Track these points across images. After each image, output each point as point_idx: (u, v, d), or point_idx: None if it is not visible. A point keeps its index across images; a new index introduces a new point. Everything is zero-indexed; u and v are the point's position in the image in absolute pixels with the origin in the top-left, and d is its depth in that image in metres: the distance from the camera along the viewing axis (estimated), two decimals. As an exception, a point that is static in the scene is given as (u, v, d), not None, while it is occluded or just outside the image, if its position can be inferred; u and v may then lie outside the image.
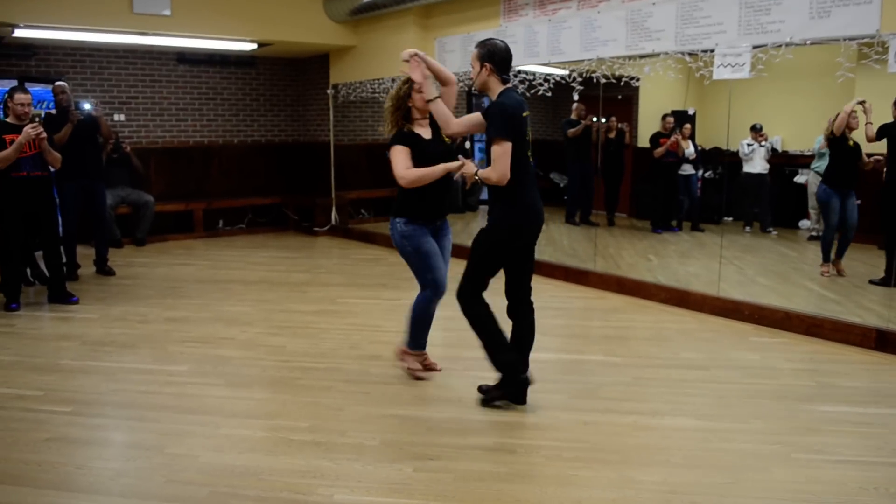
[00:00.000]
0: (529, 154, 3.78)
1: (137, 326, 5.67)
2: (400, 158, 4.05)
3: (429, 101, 3.92)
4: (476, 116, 3.86)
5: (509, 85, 3.75)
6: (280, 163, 11.34)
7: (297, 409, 3.99)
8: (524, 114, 3.70)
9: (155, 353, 4.99)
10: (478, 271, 3.84)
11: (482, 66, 3.70)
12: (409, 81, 4.06)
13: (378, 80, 9.51)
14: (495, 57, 3.70)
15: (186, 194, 10.40)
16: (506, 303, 3.94)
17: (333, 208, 10.68)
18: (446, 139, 4.19)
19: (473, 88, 3.85)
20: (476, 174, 3.73)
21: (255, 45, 9.64)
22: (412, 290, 4.50)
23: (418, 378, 4.40)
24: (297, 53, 10.83)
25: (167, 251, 9.16)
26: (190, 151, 10.48)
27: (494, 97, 3.72)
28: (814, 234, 8.60)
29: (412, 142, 4.09)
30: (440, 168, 3.98)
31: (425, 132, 4.17)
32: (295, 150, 11.44)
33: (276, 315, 6.04)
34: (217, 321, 5.82)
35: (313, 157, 11.18)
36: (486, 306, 3.87)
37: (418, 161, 4.05)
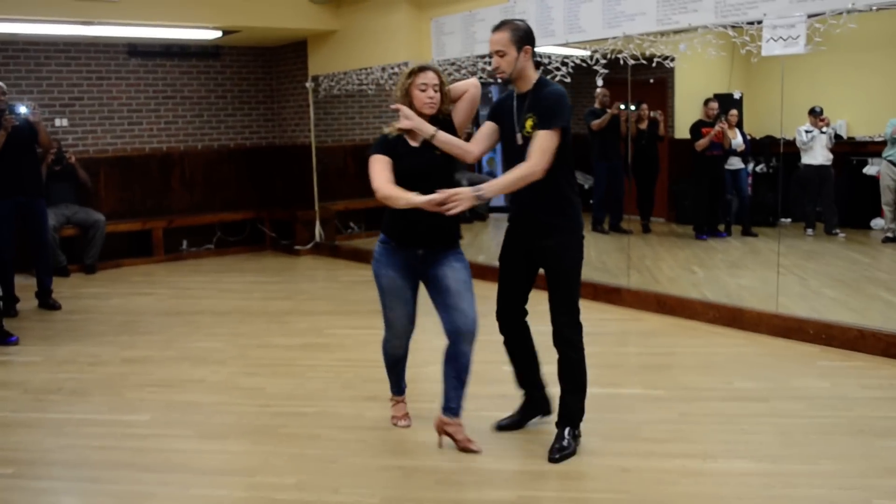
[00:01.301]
0: None
1: (89, 370, 5.67)
2: (377, 169, 3.93)
3: (432, 139, 3.90)
4: (490, 127, 4.00)
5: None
6: (253, 171, 11.38)
7: (281, 463, 3.97)
8: None
9: (110, 401, 4.99)
10: (577, 296, 4.04)
11: (520, 51, 3.78)
12: (411, 74, 3.92)
13: (365, 69, 9.55)
14: (532, 38, 3.83)
15: (143, 211, 10.44)
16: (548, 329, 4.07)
17: (317, 222, 10.69)
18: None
19: (506, 77, 3.85)
20: (480, 194, 3.63)
21: (219, 33, 9.70)
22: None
23: (397, 426, 4.42)
24: (269, 41, 10.88)
25: (122, 279, 9.18)
26: (146, 160, 10.52)
27: (530, 85, 3.84)
28: (890, 234, 8.58)
29: (393, 150, 3.96)
30: (403, 199, 3.74)
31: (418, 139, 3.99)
32: (270, 155, 11.49)
33: (252, 351, 6.04)
34: (183, 361, 5.82)
35: (292, 163, 11.21)
36: None
37: (395, 175, 3.89)
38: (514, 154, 3.84)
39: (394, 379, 4.43)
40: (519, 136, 3.83)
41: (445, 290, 3.93)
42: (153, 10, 8.73)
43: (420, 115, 3.92)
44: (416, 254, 3.99)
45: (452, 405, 3.98)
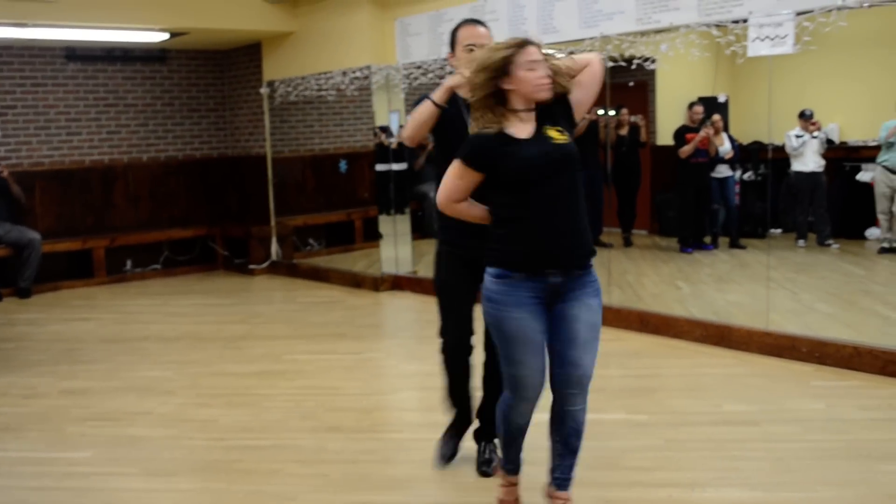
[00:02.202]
0: None
1: (24, 403, 5.60)
2: (451, 175, 3.34)
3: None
4: None
5: None
6: (203, 184, 11.33)
7: (236, 502, 3.95)
8: None
9: (48, 437, 4.93)
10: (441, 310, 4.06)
11: None
12: (513, 47, 3.23)
13: (325, 73, 9.56)
14: None
15: (83, 229, 10.35)
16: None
17: (273, 239, 10.66)
18: (557, 135, 3.32)
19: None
20: None
21: (166, 36, 9.67)
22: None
23: None
24: (220, 44, 10.86)
25: (60, 303, 9.10)
26: (86, 174, 10.44)
27: None
28: (886, 245, 8.69)
29: (491, 154, 3.26)
30: (478, 212, 3.38)
31: (524, 129, 3.29)
32: (222, 167, 11.45)
33: (204, 380, 6.00)
34: (128, 392, 5.77)
35: (246, 175, 11.17)
36: None
37: (506, 182, 3.26)
38: None
39: (514, 453, 3.62)
40: None
41: (571, 337, 3.34)
42: (93, 11, 8.68)
43: (524, 103, 3.26)
44: (548, 283, 3.27)
45: (557, 476, 3.53)
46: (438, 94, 3.74)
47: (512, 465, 3.64)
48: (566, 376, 3.33)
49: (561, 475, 3.49)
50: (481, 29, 3.81)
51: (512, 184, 3.23)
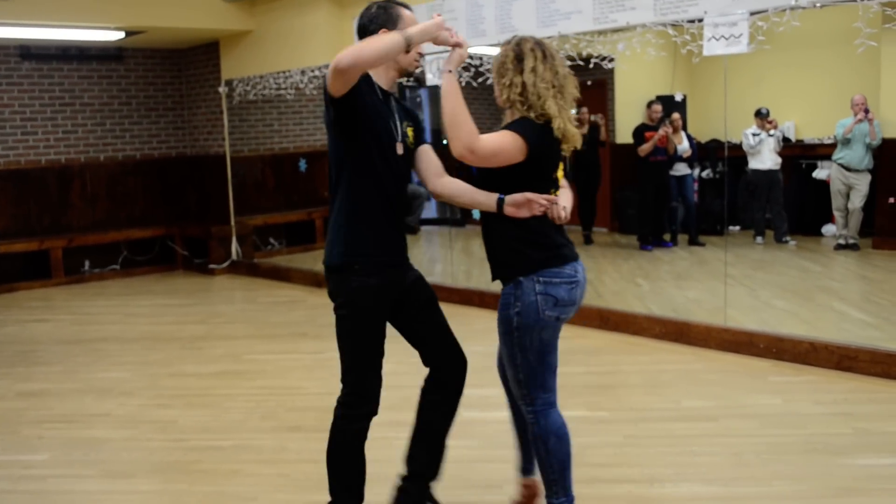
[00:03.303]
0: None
1: (-20, 406, 5.55)
2: (500, 136, 3.16)
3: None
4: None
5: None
6: (162, 183, 11.25)
7: (197, 502, 3.94)
8: None
9: (4, 440, 4.89)
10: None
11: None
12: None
13: (283, 72, 9.52)
14: None
15: (40, 230, 10.24)
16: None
17: (234, 239, 10.61)
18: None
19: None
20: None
21: (122, 34, 9.59)
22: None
23: None
24: (177, 43, 10.79)
25: (16, 304, 9.00)
26: (42, 173, 10.33)
27: (394, 87, 3.53)
28: (842, 241, 8.82)
29: (544, 138, 3.20)
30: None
31: None
32: (180, 167, 11.37)
33: (163, 381, 5.97)
34: (86, 393, 5.72)
35: (205, 175, 11.11)
36: None
37: (538, 173, 3.26)
38: (389, 164, 3.30)
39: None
40: (400, 145, 3.34)
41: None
42: (48, 9, 8.60)
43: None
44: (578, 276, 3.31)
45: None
46: (417, 33, 3.13)
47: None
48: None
49: (529, 465, 3.60)
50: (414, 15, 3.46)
51: (542, 176, 3.26)
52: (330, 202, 3.32)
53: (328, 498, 3.43)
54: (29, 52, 10.12)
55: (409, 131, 3.40)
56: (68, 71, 10.47)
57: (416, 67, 3.39)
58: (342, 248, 3.25)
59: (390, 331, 3.37)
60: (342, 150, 3.25)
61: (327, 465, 3.34)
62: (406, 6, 3.36)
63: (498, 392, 5.02)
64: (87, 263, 10.42)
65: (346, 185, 3.26)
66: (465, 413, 4.64)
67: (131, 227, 10.81)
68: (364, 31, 3.29)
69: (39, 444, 4.80)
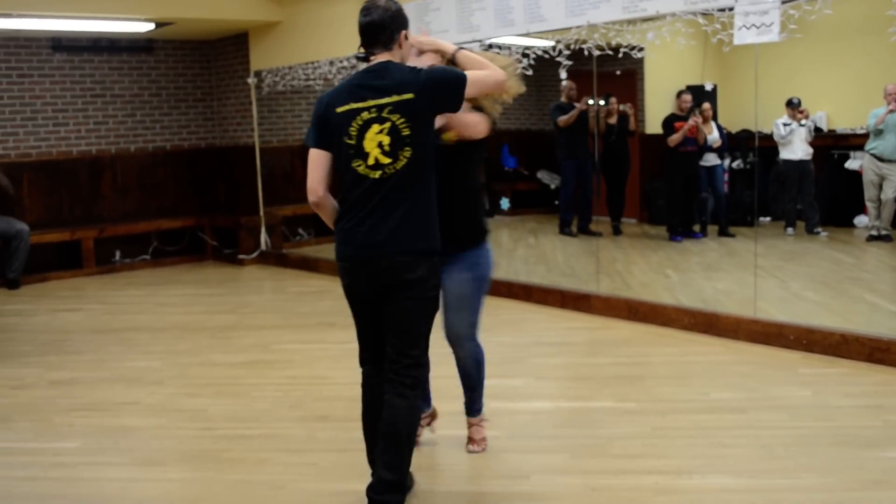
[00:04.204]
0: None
1: (12, 394, 5.59)
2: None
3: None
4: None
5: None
6: (192, 174, 11.32)
7: (225, 491, 3.96)
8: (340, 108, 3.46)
9: (36, 427, 4.93)
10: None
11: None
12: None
13: (312, 63, 9.54)
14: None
15: (71, 220, 10.33)
16: None
17: (263, 229, 10.65)
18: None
19: None
20: None
21: (152, 26, 9.64)
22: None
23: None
24: (207, 34, 10.83)
25: (48, 294, 9.08)
26: (73, 165, 10.42)
27: None
28: (874, 232, 8.73)
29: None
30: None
31: None
32: (210, 158, 11.43)
33: (193, 370, 6.00)
34: (116, 382, 5.77)
35: (234, 165, 11.16)
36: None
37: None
38: None
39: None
40: None
41: (444, 302, 3.95)
42: (79, 1, 8.65)
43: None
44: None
45: (465, 405, 4.29)
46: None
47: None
48: (445, 330, 4.04)
49: (469, 405, 4.27)
50: None
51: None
52: (399, 192, 3.40)
53: (358, 487, 3.46)
54: (60, 44, 10.20)
55: None
56: (99, 62, 10.54)
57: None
58: (437, 235, 3.51)
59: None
60: (432, 148, 3.47)
61: (405, 442, 3.47)
62: None
63: (525, 383, 5.06)
64: (117, 254, 10.50)
65: (431, 180, 3.48)
66: (493, 403, 4.67)
67: (161, 217, 10.88)
68: (383, 29, 3.41)
69: (70, 431, 4.84)
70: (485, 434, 4.29)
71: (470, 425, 4.29)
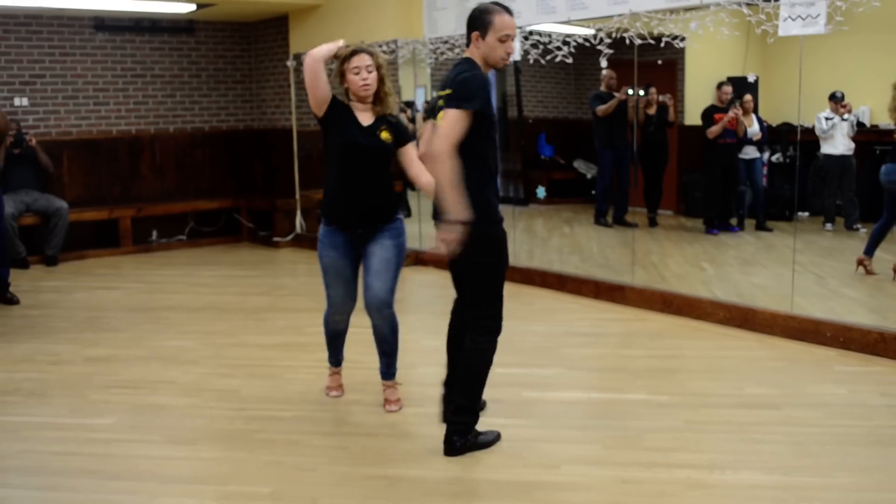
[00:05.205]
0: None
1: (49, 369, 5.66)
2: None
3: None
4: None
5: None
6: (229, 156, 11.38)
7: (256, 471, 3.98)
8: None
9: (72, 403, 4.99)
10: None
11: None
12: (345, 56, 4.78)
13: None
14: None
15: (110, 199, 10.43)
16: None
17: (298, 212, 10.69)
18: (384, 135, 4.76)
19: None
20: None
21: (193, 7, 9.68)
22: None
23: (329, 396, 4.99)
24: (247, 16, 10.87)
25: (86, 271, 9.17)
26: (113, 144, 10.50)
27: None
28: (914, 230, 8.62)
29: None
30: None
31: (363, 117, 4.81)
32: (247, 140, 11.48)
33: (227, 350, 6.05)
34: (151, 360, 5.82)
35: (271, 148, 11.20)
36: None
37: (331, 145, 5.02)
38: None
39: (333, 351, 5.01)
40: None
41: (368, 267, 4.57)
42: (122, -19, 8.72)
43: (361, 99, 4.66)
44: (356, 234, 4.66)
45: (381, 370, 4.79)
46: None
47: (335, 360, 5.01)
48: (366, 298, 4.55)
49: (384, 369, 4.76)
50: (513, 19, 4.02)
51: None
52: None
53: (388, 472, 3.47)
54: (103, 24, 10.27)
55: None
56: (140, 43, 10.61)
57: (505, 64, 4.12)
58: None
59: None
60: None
61: (476, 384, 4.04)
62: (507, 10, 4.00)
63: (558, 373, 5.06)
64: (154, 233, 10.58)
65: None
66: (525, 393, 4.67)
67: (198, 198, 10.95)
68: (467, 29, 4.07)
69: (105, 408, 4.89)
70: (399, 395, 4.76)
71: (385, 388, 4.77)
